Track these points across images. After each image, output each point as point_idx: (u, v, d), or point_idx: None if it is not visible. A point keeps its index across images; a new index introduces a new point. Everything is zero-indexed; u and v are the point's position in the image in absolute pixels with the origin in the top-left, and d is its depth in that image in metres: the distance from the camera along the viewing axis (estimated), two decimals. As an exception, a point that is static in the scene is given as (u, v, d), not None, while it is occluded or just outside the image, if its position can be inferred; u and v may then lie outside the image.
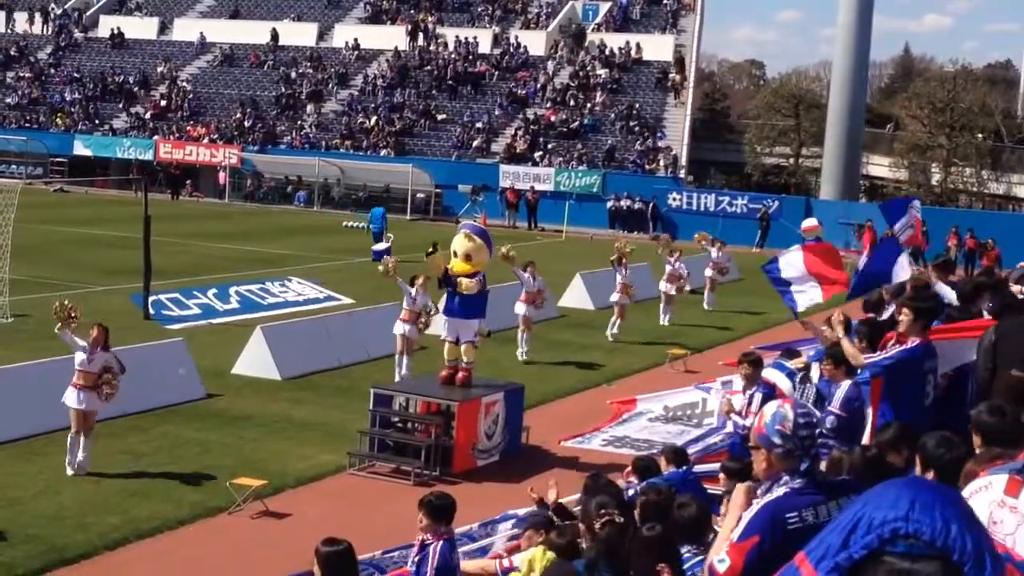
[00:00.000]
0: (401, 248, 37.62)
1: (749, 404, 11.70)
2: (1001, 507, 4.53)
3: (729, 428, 14.27)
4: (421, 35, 60.92)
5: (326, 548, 7.14)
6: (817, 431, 4.88)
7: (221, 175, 55.29)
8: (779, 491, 4.79)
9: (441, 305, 17.04)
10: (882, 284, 13.47)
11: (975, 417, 5.83)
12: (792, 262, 13.81)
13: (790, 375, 11.45)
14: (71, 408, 14.15)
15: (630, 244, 26.22)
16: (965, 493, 4.50)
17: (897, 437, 6.99)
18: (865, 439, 8.89)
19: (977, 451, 5.53)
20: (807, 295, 13.77)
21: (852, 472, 6.64)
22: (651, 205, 49.24)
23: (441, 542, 8.16)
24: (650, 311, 27.21)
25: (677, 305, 27.55)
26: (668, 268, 27.23)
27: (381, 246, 34.77)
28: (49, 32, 67.51)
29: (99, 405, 14.33)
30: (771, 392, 11.33)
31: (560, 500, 9.28)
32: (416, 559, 8.31)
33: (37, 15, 68.38)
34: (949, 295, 11.24)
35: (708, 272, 30.08)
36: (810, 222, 26.57)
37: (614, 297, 24.90)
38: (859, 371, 9.87)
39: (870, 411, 9.50)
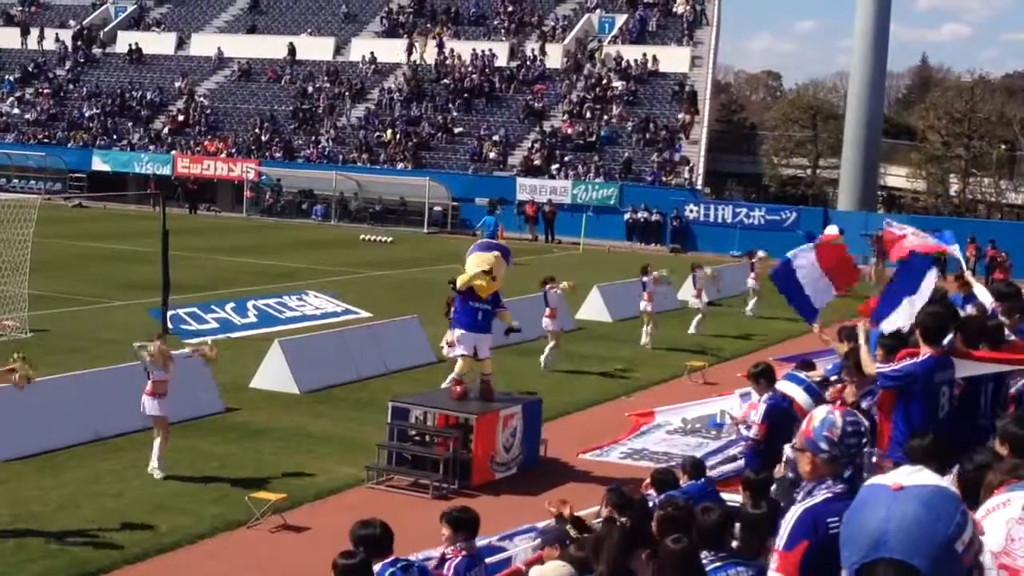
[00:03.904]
0: (414, 261, 37.81)
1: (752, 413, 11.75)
2: (1019, 524, 4.49)
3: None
4: (436, 50, 61.06)
5: (342, 560, 7.15)
6: (864, 440, 4.91)
7: (247, 190, 55.47)
8: (820, 496, 4.87)
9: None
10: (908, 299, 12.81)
11: (1002, 428, 5.82)
12: (806, 260, 13.02)
13: (807, 388, 11.39)
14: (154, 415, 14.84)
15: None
16: (982, 511, 4.48)
17: (930, 448, 6.93)
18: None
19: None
20: (821, 295, 13.11)
21: None
22: (674, 218, 49.18)
23: (459, 558, 8.14)
24: (673, 322, 27.15)
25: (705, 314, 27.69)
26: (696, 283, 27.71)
27: None
28: (68, 48, 67.88)
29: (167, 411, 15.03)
30: (779, 403, 11.29)
31: (577, 513, 9.24)
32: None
33: (56, 31, 68.80)
34: (985, 299, 11.08)
35: (750, 282, 30.18)
36: (831, 230, 26.41)
37: (643, 305, 25.20)
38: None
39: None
